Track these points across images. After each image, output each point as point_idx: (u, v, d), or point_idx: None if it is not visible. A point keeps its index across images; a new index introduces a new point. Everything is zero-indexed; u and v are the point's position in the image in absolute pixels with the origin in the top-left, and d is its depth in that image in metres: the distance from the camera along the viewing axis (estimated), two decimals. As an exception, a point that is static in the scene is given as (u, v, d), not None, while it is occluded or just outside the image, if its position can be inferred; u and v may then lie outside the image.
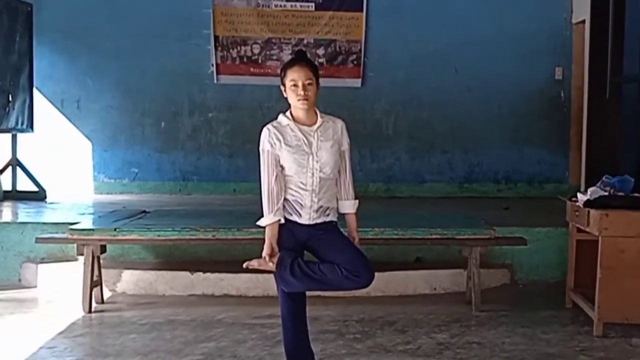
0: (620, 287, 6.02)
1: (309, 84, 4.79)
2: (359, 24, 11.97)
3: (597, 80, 10.40)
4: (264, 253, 4.82)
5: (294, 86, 4.79)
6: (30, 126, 10.97)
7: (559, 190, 11.60)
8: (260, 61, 11.99)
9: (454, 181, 12.17)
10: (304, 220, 4.86)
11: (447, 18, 11.95)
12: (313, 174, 4.82)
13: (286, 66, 4.89)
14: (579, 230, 6.69)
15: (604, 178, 6.47)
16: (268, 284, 6.96)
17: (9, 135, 10.87)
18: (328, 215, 4.92)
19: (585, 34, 11.23)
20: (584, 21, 11.32)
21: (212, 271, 7.50)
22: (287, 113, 4.91)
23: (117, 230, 6.81)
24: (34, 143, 11.43)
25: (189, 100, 12.08)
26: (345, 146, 4.99)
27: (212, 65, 11.97)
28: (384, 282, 7.27)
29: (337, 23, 11.96)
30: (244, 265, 4.97)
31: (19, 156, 10.96)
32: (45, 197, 10.70)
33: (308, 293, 4.99)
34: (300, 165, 4.80)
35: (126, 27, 11.86)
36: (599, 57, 10.29)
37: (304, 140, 4.82)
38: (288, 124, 4.86)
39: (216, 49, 11.93)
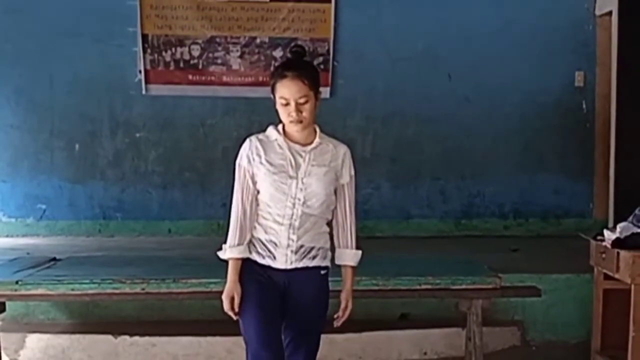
0: (658, 347, 6.09)
1: (303, 102, 4.76)
2: (326, 18, 12.02)
3: (627, 87, 10.46)
4: (224, 296, 4.79)
5: (284, 105, 4.77)
6: None
7: (581, 226, 11.60)
8: (201, 66, 11.96)
9: (448, 216, 12.25)
10: (279, 263, 4.80)
11: (439, 10, 12.01)
12: (294, 204, 4.77)
13: (275, 76, 4.85)
14: (607, 277, 6.74)
15: (637, 211, 6.53)
16: (214, 350, 6.95)
17: None
18: (314, 257, 4.86)
19: (613, 28, 11.29)
20: (610, 12, 11.39)
21: (142, 334, 7.48)
22: (279, 127, 4.90)
23: (20, 283, 6.77)
24: None
25: (110, 117, 12.04)
26: (347, 179, 4.98)
27: (140, 71, 11.94)
28: (360, 346, 7.29)
29: (299, 17, 11.99)
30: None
31: None
32: None
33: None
34: (279, 191, 4.76)
35: (29, 25, 11.80)
36: (630, 58, 10.36)
37: (290, 160, 4.80)
38: (276, 139, 4.86)
39: (145, 51, 11.90)
